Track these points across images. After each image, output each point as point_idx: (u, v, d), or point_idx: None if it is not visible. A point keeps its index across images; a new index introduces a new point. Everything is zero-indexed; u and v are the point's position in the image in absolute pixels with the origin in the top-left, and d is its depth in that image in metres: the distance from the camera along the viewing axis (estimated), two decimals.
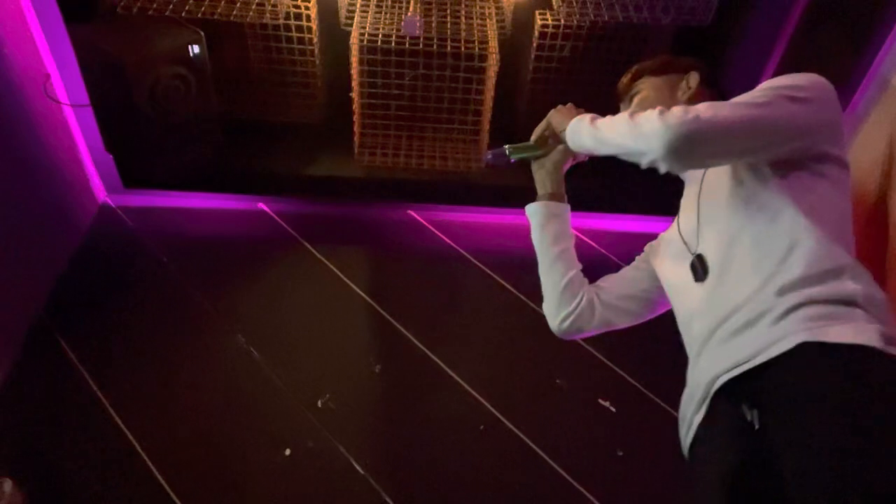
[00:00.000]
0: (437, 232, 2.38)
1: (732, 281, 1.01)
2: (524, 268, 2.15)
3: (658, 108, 0.97)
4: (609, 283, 1.29)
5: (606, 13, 2.00)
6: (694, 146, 0.94)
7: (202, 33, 2.00)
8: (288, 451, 1.72)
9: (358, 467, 1.70)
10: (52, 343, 1.91)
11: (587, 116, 1.17)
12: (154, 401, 1.80)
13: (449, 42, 2.05)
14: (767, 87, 1.03)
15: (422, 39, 2.06)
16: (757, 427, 0.89)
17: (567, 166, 1.31)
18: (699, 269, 1.08)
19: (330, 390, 1.86)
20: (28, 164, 1.95)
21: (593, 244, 2.36)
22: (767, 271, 0.97)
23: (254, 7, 1.97)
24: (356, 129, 2.26)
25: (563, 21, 2.09)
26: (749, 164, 1.06)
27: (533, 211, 1.28)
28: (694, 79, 1.28)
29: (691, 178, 1.25)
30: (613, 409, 1.86)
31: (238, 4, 1.97)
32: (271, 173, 2.30)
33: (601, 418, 1.84)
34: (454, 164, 2.33)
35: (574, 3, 2.01)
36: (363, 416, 1.84)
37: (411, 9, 2.16)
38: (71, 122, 2.13)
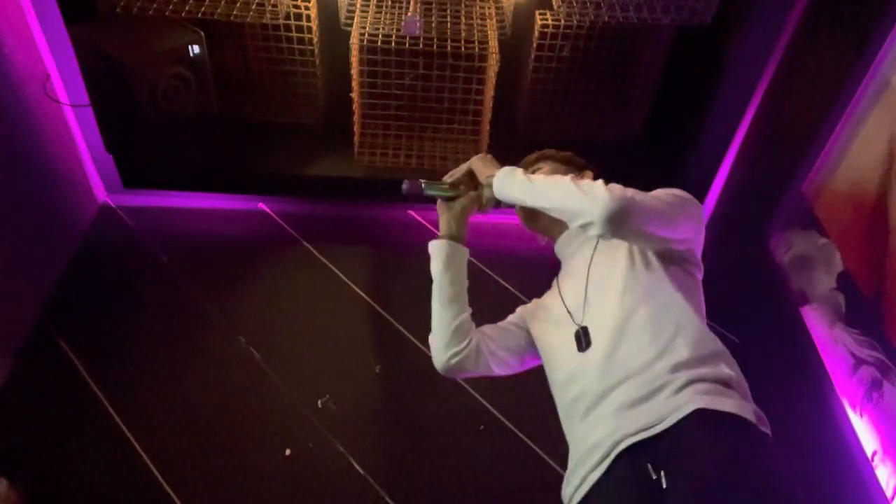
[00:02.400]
0: (437, 232, 2.38)
1: (626, 353, 1.13)
2: (524, 267, 2.16)
3: (599, 180, 1.11)
4: (493, 333, 1.37)
5: (606, 13, 2.00)
6: (626, 219, 1.08)
7: (202, 33, 2.00)
8: (288, 451, 1.72)
9: (358, 467, 1.70)
10: (52, 343, 1.91)
11: (518, 169, 1.26)
12: (154, 401, 1.80)
13: (449, 42, 2.04)
14: (670, 192, 1.18)
15: (422, 39, 2.06)
16: (665, 486, 0.99)
17: (472, 212, 1.38)
18: (582, 339, 1.20)
19: (330, 390, 1.86)
20: (28, 164, 1.95)
21: None
22: (659, 348, 1.11)
23: (254, 7, 1.97)
24: (356, 129, 2.26)
25: (563, 21, 2.09)
26: (642, 253, 1.22)
27: (437, 248, 1.36)
28: (588, 177, 1.38)
29: (576, 260, 1.34)
30: None
31: (238, 4, 1.97)
32: (271, 173, 2.30)
33: None
34: (454, 164, 2.32)
35: (574, 3, 2.01)
36: (363, 416, 1.84)
37: (411, 9, 2.16)
38: (71, 122, 2.13)
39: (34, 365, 1.86)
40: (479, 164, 1.36)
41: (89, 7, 1.96)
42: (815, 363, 1.84)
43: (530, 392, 1.91)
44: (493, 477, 1.72)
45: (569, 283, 1.32)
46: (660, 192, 1.17)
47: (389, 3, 2.22)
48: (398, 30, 2.06)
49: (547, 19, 2.12)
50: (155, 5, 1.91)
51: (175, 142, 2.10)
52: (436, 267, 1.36)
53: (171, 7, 1.92)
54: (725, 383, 1.08)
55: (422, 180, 1.37)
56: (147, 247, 2.23)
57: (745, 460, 0.99)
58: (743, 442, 1.01)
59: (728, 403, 1.04)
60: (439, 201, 1.40)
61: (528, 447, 1.78)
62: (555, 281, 1.39)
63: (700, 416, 1.02)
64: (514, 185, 1.24)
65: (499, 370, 1.36)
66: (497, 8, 2.24)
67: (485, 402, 1.87)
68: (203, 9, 1.94)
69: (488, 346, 1.33)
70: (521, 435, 1.80)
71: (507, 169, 1.28)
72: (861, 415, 1.66)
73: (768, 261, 2.12)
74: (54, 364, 1.86)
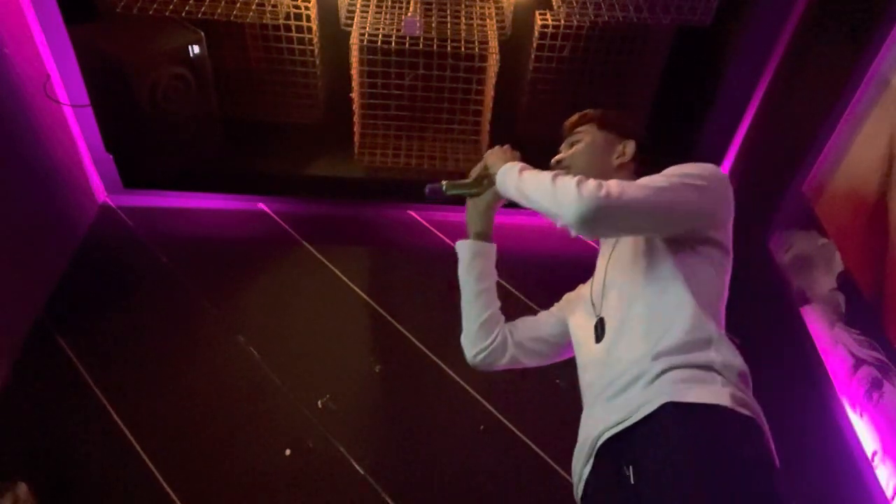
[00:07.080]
0: (437, 232, 2.38)
1: (624, 345, 1.11)
2: (524, 268, 2.16)
3: (577, 178, 1.04)
4: (524, 324, 1.35)
5: (606, 13, 2.00)
6: (600, 220, 1.02)
7: (202, 33, 2.00)
8: (288, 451, 1.72)
9: (358, 467, 1.70)
10: (52, 343, 1.91)
11: (518, 165, 1.19)
12: (154, 401, 1.80)
13: (449, 42, 2.05)
14: (672, 173, 1.12)
15: (422, 39, 2.06)
16: (633, 482, 0.96)
17: (499, 206, 1.33)
18: (599, 331, 1.18)
19: (330, 390, 1.86)
20: (28, 164, 1.95)
21: (593, 244, 2.36)
22: (653, 339, 1.07)
23: (254, 7, 1.97)
24: (356, 129, 2.26)
25: (563, 21, 2.09)
26: (647, 239, 1.17)
27: (461, 248, 1.32)
28: (630, 147, 1.33)
29: (605, 243, 1.32)
30: None
31: (238, 4, 1.97)
32: (271, 173, 2.30)
33: None
34: (454, 165, 2.33)
35: (574, 3, 2.01)
36: (363, 416, 1.84)
37: (411, 9, 2.16)
38: (71, 122, 2.13)
39: (34, 365, 1.86)
40: (491, 157, 1.29)
41: (89, 7, 1.96)
42: (815, 363, 1.84)
43: (530, 392, 1.92)
44: (493, 477, 1.72)
45: (597, 270, 1.29)
46: (657, 179, 1.09)
47: (389, 3, 2.22)
48: (398, 30, 2.06)
49: (547, 19, 2.12)
50: (155, 5, 1.91)
51: (175, 142, 2.10)
52: (461, 266, 1.32)
53: (171, 7, 1.92)
54: (707, 367, 1.03)
55: (443, 182, 1.31)
56: (147, 247, 2.23)
57: (713, 452, 0.93)
58: (712, 432, 0.96)
59: (699, 392, 0.99)
60: (467, 199, 1.34)
61: (528, 447, 1.78)
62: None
63: (670, 408, 0.98)
64: (508, 185, 1.17)
65: (530, 361, 1.33)
66: (497, 8, 2.24)
67: (485, 402, 1.87)
68: (203, 9, 1.94)
69: (516, 338, 1.31)
70: (521, 435, 1.80)
71: (508, 165, 1.20)
72: (861, 415, 1.66)
73: (768, 261, 2.12)
74: (54, 364, 1.86)
